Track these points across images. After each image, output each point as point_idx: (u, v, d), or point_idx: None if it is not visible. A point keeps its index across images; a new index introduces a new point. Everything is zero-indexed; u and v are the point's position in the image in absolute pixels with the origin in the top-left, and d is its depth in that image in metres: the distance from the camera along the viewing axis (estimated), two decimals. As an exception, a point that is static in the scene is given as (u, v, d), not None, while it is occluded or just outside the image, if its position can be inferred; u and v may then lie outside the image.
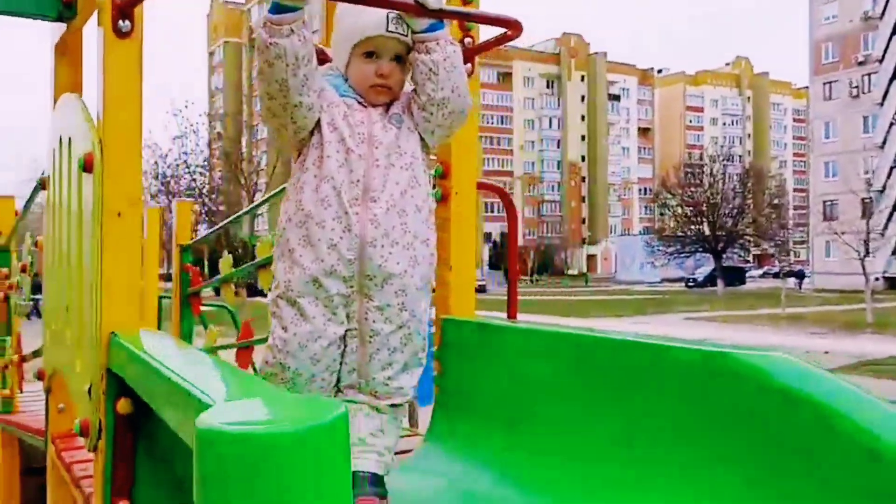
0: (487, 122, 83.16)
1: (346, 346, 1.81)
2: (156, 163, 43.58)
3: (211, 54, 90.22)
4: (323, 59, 1.90)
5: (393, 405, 1.84)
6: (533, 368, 1.78)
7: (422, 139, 1.88)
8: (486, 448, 1.85)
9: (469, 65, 2.12)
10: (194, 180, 45.30)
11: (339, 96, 1.83)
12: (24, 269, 4.14)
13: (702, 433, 1.38)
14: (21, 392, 4.32)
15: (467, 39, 2.15)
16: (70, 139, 1.89)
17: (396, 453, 1.89)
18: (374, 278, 1.78)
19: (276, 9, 1.66)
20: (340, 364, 1.82)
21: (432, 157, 2.14)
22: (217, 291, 4.66)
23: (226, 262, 4.10)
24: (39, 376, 2.72)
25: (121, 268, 1.67)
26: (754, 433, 1.29)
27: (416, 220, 1.82)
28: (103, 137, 1.65)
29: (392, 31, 1.79)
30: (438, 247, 1.93)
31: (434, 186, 2.13)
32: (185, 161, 45.18)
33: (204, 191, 45.59)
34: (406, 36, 1.81)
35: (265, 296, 1.98)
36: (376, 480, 1.76)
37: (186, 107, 46.11)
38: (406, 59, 1.85)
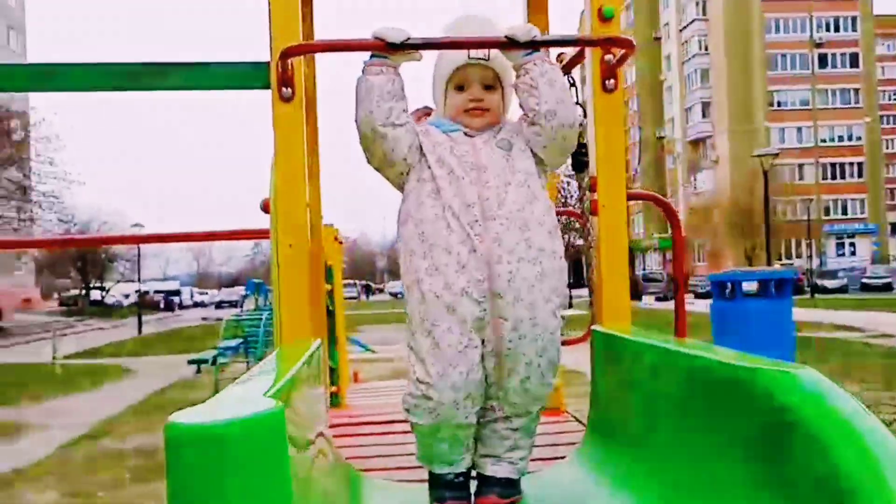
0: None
1: (484, 368, 1.88)
2: None
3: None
4: (427, 112, 2.11)
5: (528, 413, 1.93)
6: (665, 389, 1.72)
7: (536, 159, 1.97)
8: (628, 472, 1.82)
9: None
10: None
11: (443, 134, 1.98)
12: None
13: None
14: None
15: (608, 56, 2.17)
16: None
17: (551, 458, 1.97)
18: (505, 296, 1.85)
19: (372, 56, 1.96)
20: (486, 386, 1.90)
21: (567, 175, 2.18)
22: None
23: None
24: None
25: (291, 287, 2.02)
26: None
27: (539, 235, 1.88)
28: (276, 185, 2.02)
29: (473, 58, 1.96)
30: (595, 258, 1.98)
31: (583, 200, 2.18)
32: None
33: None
34: (488, 60, 1.96)
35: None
36: (508, 483, 1.87)
37: None
38: (501, 86, 2.00)
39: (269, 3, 2.08)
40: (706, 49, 67.12)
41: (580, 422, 2.58)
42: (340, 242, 5.69)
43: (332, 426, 2.25)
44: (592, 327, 2.15)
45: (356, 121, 1.96)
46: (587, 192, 2.21)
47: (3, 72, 2.85)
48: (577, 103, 2.29)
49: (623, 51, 2.14)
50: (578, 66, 2.52)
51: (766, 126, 64.07)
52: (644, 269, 65.45)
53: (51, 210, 39.25)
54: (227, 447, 1.00)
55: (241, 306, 18.83)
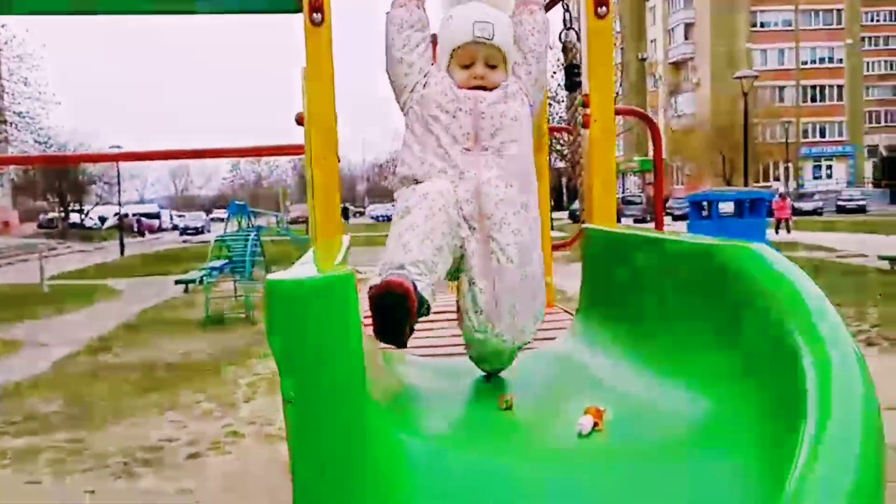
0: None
1: None
2: None
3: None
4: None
5: None
6: (644, 269, 2.05)
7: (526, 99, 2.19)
8: (616, 342, 2.18)
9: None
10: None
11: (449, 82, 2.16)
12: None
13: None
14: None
15: None
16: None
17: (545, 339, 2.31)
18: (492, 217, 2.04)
19: None
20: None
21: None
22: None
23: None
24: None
25: (325, 195, 2.31)
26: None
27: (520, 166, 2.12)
28: (309, 104, 2.29)
29: (479, 37, 2.10)
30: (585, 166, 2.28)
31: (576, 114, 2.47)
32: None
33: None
34: (492, 39, 2.10)
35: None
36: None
37: None
38: (505, 63, 2.17)
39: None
40: (689, -31, 66.33)
41: (570, 313, 2.92)
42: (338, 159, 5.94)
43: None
44: (583, 225, 2.48)
45: (384, 54, 2.19)
46: (579, 108, 2.49)
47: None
48: (570, 28, 2.56)
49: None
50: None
51: (747, 48, 63.78)
52: (624, 192, 65.96)
53: (27, 131, 38.70)
54: (323, 296, 1.32)
55: (225, 228, 19.02)
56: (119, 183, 45.66)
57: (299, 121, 2.50)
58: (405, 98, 2.19)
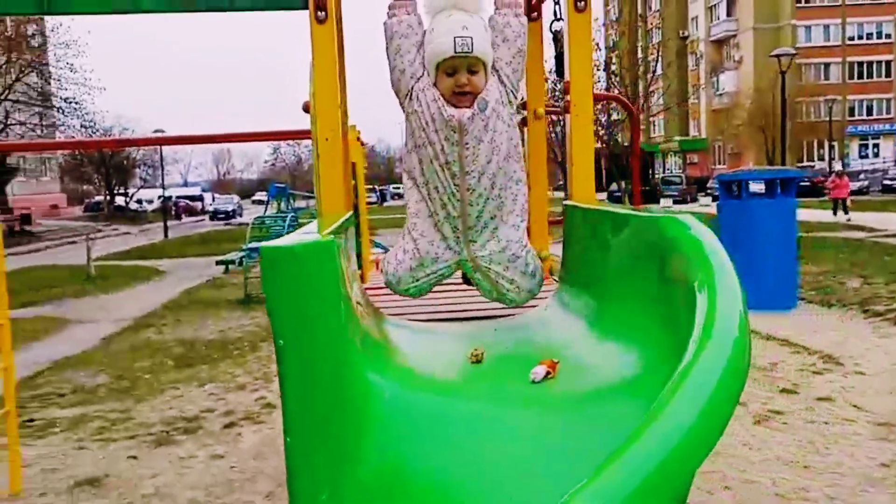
0: None
1: None
2: None
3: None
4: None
5: None
6: (604, 239, 2.32)
7: (505, 90, 2.43)
8: (581, 305, 2.44)
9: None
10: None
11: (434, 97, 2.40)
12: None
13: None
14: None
15: None
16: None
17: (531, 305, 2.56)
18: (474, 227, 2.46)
19: None
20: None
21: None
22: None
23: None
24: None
25: (329, 171, 2.57)
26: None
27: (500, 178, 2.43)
28: (314, 90, 2.54)
29: (458, 52, 2.32)
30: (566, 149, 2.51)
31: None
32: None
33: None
34: (471, 52, 2.32)
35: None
36: None
37: None
38: (485, 67, 2.39)
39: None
40: (733, -57, 65.09)
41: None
42: (362, 143, 6.19)
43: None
44: (564, 202, 2.71)
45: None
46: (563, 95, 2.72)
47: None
48: (559, 19, 2.77)
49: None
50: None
51: (792, 24, 62.54)
52: (664, 172, 65.39)
53: (73, 116, 39.73)
54: (301, 259, 1.58)
55: (265, 210, 19.46)
56: (162, 167, 46.59)
57: (306, 108, 2.77)
58: (403, 102, 2.47)
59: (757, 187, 12.21)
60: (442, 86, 2.40)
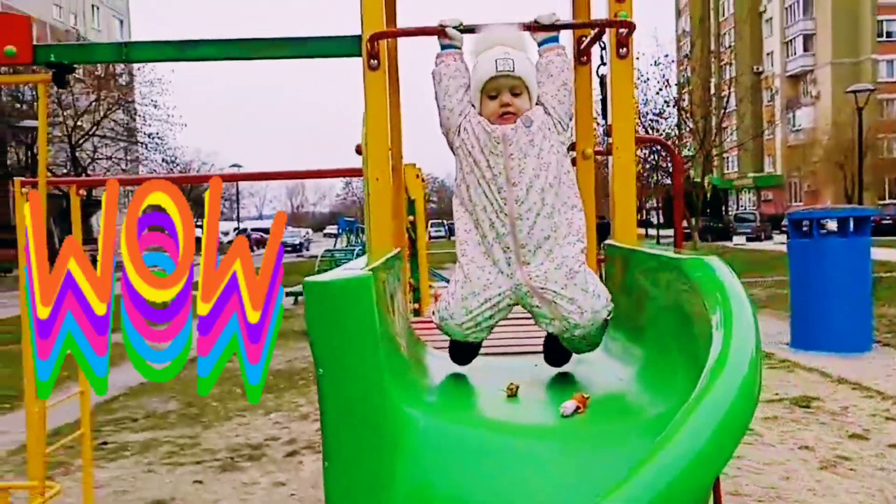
0: None
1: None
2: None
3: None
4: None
5: None
6: (638, 281, 2.37)
7: (552, 120, 2.48)
8: (620, 342, 2.49)
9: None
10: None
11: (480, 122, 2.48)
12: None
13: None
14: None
15: (621, 30, 2.73)
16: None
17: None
18: (526, 246, 2.39)
19: (441, 47, 2.58)
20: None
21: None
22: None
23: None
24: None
25: (378, 210, 2.70)
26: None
27: (550, 194, 2.41)
28: (365, 133, 2.68)
29: (500, 71, 2.41)
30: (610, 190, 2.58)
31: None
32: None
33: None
34: (514, 71, 2.41)
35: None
36: None
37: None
38: (527, 89, 2.47)
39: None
40: (809, -23, 64.05)
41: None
42: (423, 180, 6.35)
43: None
44: (605, 242, 2.79)
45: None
46: (606, 137, 2.80)
47: (155, 45, 3.56)
48: (604, 63, 2.87)
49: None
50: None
51: (873, 59, 60.98)
52: (738, 209, 64.04)
53: (156, 151, 41.40)
54: (338, 294, 1.70)
55: (335, 243, 19.87)
56: (238, 200, 47.92)
57: (358, 150, 2.92)
58: (451, 139, 2.56)
59: (830, 225, 11.93)
60: (486, 111, 2.47)
